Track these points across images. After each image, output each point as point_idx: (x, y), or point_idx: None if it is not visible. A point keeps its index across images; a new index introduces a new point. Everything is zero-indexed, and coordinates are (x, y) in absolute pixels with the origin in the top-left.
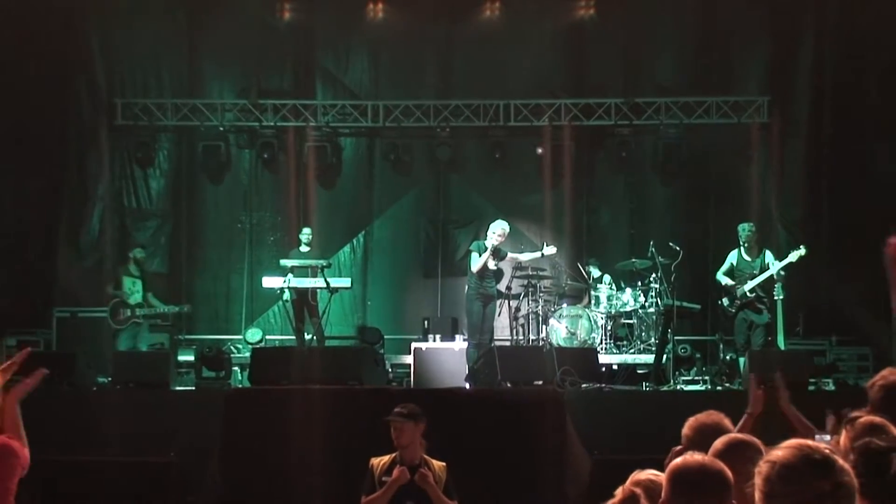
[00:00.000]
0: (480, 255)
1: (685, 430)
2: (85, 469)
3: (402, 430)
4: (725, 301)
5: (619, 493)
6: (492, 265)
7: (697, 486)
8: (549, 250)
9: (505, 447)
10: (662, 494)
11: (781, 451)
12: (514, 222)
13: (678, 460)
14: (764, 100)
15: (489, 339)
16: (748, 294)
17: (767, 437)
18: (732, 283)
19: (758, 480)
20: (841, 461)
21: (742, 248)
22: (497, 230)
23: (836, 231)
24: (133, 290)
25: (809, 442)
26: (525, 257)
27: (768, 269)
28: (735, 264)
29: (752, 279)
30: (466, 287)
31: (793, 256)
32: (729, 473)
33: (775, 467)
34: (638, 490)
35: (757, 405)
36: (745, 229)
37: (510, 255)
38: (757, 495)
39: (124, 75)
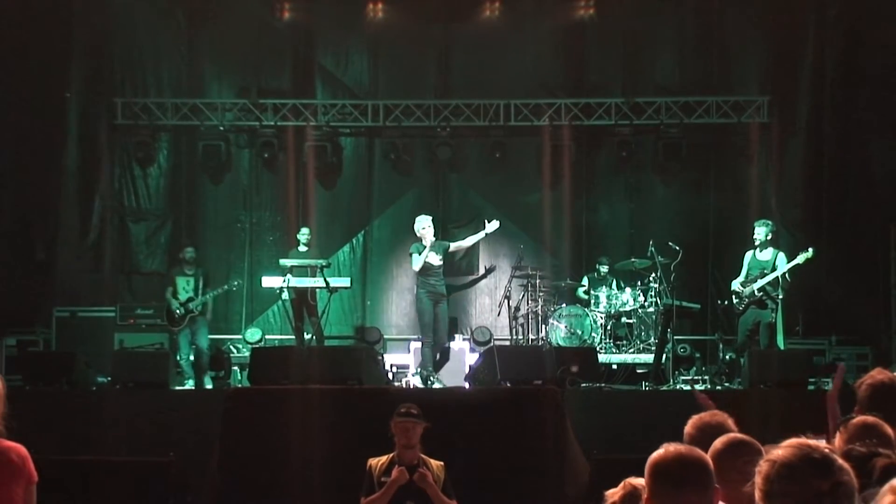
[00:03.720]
0: (420, 255)
1: (688, 429)
2: (83, 469)
3: (413, 430)
4: (735, 299)
5: (617, 491)
6: (436, 261)
7: (677, 477)
8: (492, 226)
9: (504, 447)
10: (645, 490)
11: (781, 451)
12: (514, 222)
13: (656, 454)
14: (764, 100)
15: (446, 339)
16: (756, 293)
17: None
18: (742, 289)
19: (758, 479)
20: (840, 461)
21: (756, 249)
22: (423, 224)
23: (835, 231)
24: (187, 288)
25: (809, 441)
26: (468, 242)
27: (777, 269)
28: (748, 264)
29: (761, 278)
30: (415, 287)
31: (800, 259)
32: (709, 462)
33: (775, 466)
34: (639, 486)
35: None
36: (760, 225)
37: (452, 245)
38: (757, 494)
39: (124, 75)
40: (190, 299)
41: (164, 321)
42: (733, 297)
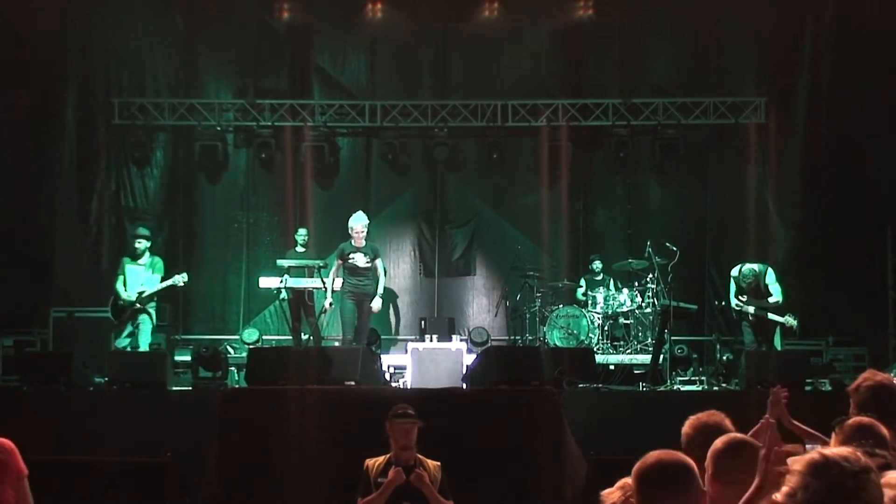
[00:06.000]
0: (342, 257)
1: (686, 429)
2: (81, 469)
3: (410, 431)
4: (734, 313)
5: (613, 491)
6: (362, 263)
7: (659, 482)
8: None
9: (501, 447)
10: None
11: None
12: (512, 222)
13: (640, 460)
14: (761, 101)
15: (373, 339)
16: (751, 318)
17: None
18: (743, 306)
19: (793, 469)
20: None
21: (743, 265)
22: (356, 225)
23: (832, 231)
24: (138, 280)
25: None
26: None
27: (768, 283)
28: (740, 273)
29: (755, 297)
30: (340, 287)
31: (785, 320)
32: (691, 465)
33: (811, 458)
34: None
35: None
36: (742, 273)
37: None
38: (786, 480)
39: (121, 75)
40: (142, 292)
41: (111, 314)
42: (733, 313)
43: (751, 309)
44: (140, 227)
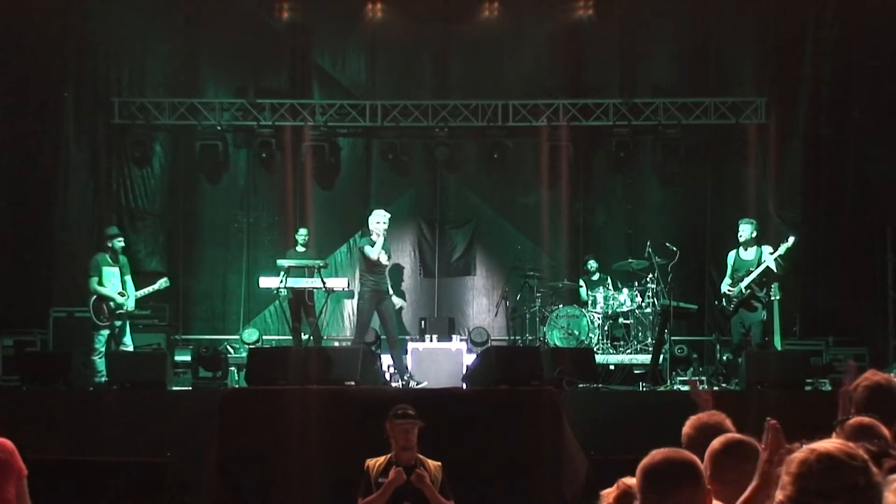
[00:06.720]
0: (373, 247)
1: (686, 429)
2: (81, 469)
3: (411, 431)
4: (724, 301)
5: (612, 491)
6: (384, 259)
7: (666, 479)
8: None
9: (502, 447)
10: (638, 494)
11: (820, 446)
12: (512, 222)
13: (645, 458)
14: (761, 101)
15: (396, 334)
16: (744, 291)
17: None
18: (733, 290)
19: (791, 470)
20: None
21: (739, 248)
22: (379, 219)
23: (832, 231)
24: (114, 281)
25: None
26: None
27: (763, 263)
28: (733, 264)
29: (748, 276)
30: (359, 286)
31: (781, 249)
32: (697, 462)
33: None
34: (634, 485)
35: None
36: (744, 223)
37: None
38: (784, 490)
39: (121, 74)
40: (120, 294)
41: (92, 315)
42: (723, 299)
43: (744, 283)
44: (113, 227)
